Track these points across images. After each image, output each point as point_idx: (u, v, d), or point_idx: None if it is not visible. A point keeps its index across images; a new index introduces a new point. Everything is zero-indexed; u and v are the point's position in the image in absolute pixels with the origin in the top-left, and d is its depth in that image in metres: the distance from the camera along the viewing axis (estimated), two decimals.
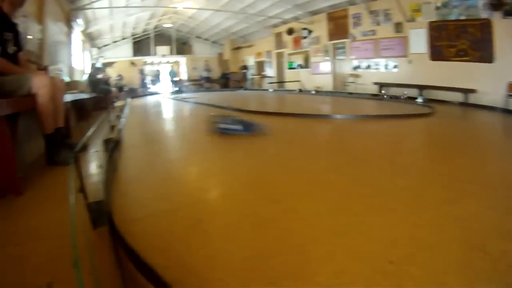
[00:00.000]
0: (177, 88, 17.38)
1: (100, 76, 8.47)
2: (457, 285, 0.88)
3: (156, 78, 17.71)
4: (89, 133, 3.46)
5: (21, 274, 1.06)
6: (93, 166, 2.40)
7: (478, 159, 2.37)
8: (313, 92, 11.15)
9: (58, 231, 1.33)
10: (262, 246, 1.09)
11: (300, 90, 12.18)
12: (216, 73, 19.03)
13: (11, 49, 2.37)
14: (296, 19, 12.69)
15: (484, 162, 2.29)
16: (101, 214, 1.25)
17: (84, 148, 2.79)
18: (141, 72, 17.55)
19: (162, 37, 19.90)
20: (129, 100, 9.69)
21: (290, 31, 13.19)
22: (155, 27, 18.92)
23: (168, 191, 1.79)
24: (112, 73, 15.08)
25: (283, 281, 0.89)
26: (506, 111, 6.42)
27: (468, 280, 0.90)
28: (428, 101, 7.72)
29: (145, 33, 19.01)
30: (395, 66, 9.56)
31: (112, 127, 3.69)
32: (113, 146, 2.51)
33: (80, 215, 1.39)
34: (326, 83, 11.85)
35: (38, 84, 2.24)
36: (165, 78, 18.82)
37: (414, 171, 2.01)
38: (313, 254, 1.02)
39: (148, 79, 17.97)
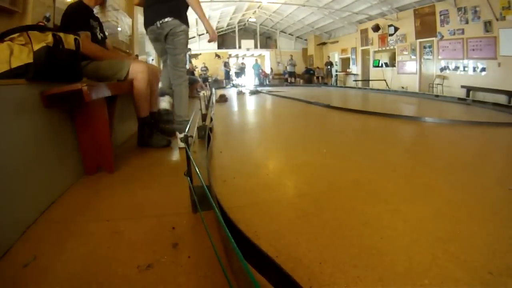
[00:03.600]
0: (261, 82, 17.81)
1: (186, 66, 9.21)
2: None
3: (240, 71, 18.27)
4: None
5: (118, 250, 1.08)
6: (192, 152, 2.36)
7: None
8: (398, 92, 10.50)
9: (153, 212, 1.37)
10: (369, 243, 1.09)
11: (389, 90, 11.59)
12: (300, 68, 19.15)
13: (98, 35, 2.53)
14: (382, 15, 12.24)
15: None
16: (205, 198, 1.18)
17: (174, 133, 2.80)
18: (226, 64, 18.11)
19: (246, 31, 20.73)
20: (214, 90, 10.24)
21: (376, 28, 12.71)
22: (240, 21, 19.69)
23: (269, 181, 1.79)
24: (197, 64, 16.23)
25: (391, 281, 0.91)
26: None
27: None
28: None
29: (229, 27, 19.92)
30: (483, 69, 8.71)
31: (204, 116, 3.81)
32: (207, 134, 2.60)
33: (179, 198, 1.47)
34: (412, 83, 11.35)
35: (136, 70, 2.36)
36: (249, 71, 19.38)
37: None
38: (418, 257, 1.03)
39: (232, 72, 18.42)
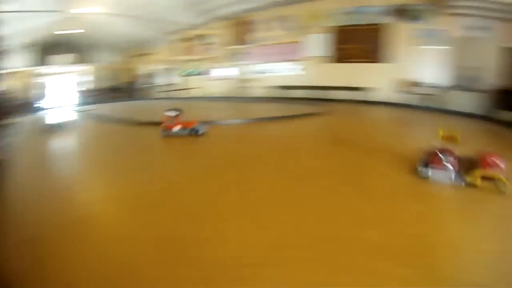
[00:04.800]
0: (80, 99, 15.92)
1: None
2: None
3: (56, 90, 16.43)
4: None
5: None
6: None
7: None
8: (210, 98, 11.26)
9: None
10: None
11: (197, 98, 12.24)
12: (118, 82, 17.92)
13: None
14: (196, 25, 12.76)
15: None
16: None
17: None
18: (39, 84, 15.91)
19: (63, 45, 17.98)
20: (22, 116, 8.46)
21: (190, 37, 13.12)
22: (55, 34, 16.93)
23: None
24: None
25: None
26: (398, 105, 7.42)
27: None
28: (326, 101, 8.40)
29: (46, 40, 16.91)
30: (293, 70, 10.26)
31: None
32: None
33: None
34: (225, 88, 12.21)
35: None
36: (67, 89, 17.30)
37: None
38: None
39: (47, 91, 16.30)
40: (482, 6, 7.78)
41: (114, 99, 15.90)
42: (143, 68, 17.10)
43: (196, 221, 1.66)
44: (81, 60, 18.65)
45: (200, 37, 13.07)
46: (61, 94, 16.85)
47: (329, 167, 2.66)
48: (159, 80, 15.75)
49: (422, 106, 8.03)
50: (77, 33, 16.93)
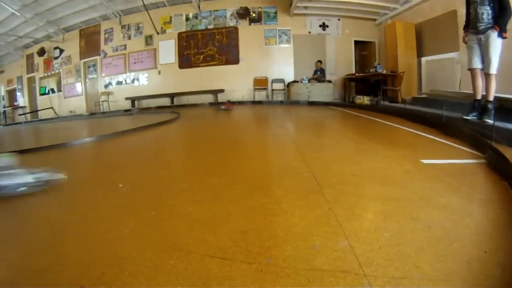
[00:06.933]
0: None
1: None
2: None
3: None
4: None
5: None
6: None
7: None
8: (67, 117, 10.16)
9: None
10: None
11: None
12: None
13: None
14: (48, 37, 11.44)
15: None
16: None
17: None
18: None
19: None
20: None
21: (41, 52, 11.67)
22: None
23: None
24: None
25: None
26: (253, 102, 7.77)
27: None
28: (179, 106, 8.42)
29: None
30: (146, 79, 9.88)
31: None
32: None
33: None
34: (80, 105, 11.21)
35: None
36: None
37: None
38: None
39: None
40: (323, 7, 8.80)
41: None
42: None
43: None
44: None
45: (51, 51, 11.65)
46: None
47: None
48: (19, 102, 13.51)
49: (274, 101, 8.63)
50: None
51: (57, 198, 2.12)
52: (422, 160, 2.16)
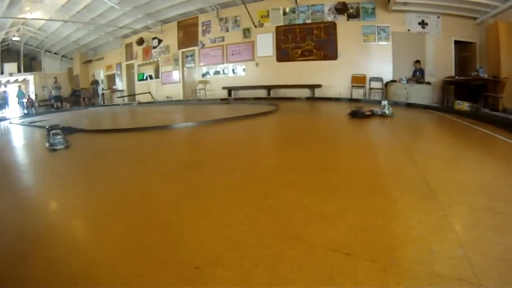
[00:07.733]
0: (26, 111, 14.66)
1: None
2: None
3: (3, 102, 14.96)
4: None
5: None
6: None
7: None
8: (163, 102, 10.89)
9: None
10: None
11: (139, 103, 12.00)
12: (66, 91, 16.62)
13: None
14: (147, 28, 12.32)
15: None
16: None
17: None
18: None
19: (10, 52, 16.41)
20: None
21: (140, 41, 12.69)
22: (3, 41, 15.32)
23: None
24: None
25: None
26: (351, 100, 7.75)
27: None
28: (276, 99, 8.56)
29: None
30: (243, 70, 10.19)
31: None
32: None
33: None
34: (177, 92, 11.92)
35: None
36: (13, 100, 15.76)
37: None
38: None
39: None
40: (422, 3, 8.44)
41: (58, 110, 14.70)
42: (97, 74, 16.12)
43: None
44: (28, 69, 17.20)
45: (150, 41, 12.55)
46: (10, 106, 15.66)
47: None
48: (117, 86, 14.91)
49: (370, 100, 8.39)
50: (27, 39, 15.62)
51: (166, 178, 2.22)
52: None
